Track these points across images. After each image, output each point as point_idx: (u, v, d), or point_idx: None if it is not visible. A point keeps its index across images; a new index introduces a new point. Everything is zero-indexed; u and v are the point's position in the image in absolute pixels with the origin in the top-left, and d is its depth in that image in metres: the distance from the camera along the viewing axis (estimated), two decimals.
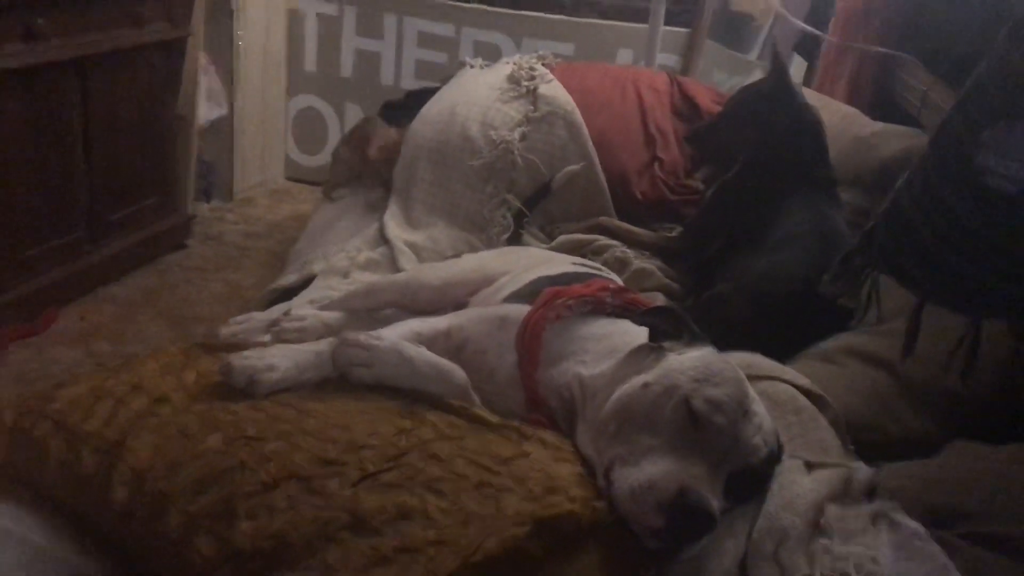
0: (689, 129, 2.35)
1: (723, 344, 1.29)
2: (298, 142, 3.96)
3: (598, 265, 1.82)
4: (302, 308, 1.76)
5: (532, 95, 2.45)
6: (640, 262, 2.12)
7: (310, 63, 3.82)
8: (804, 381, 1.43)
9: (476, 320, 1.38)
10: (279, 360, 1.19)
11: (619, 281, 1.72)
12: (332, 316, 1.67)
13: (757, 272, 1.86)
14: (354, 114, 3.81)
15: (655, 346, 1.21)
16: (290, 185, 3.96)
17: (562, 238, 2.22)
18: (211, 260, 3.17)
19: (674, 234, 2.24)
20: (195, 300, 2.87)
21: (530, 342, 1.29)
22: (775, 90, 2.07)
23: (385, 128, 2.54)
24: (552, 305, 1.34)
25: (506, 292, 1.55)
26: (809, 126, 2.07)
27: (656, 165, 2.44)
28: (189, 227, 3.27)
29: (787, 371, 1.47)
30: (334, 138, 3.82)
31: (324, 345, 1.24)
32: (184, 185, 3.27)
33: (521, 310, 1.36)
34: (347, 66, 3.80)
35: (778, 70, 2.08)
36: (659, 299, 1.96)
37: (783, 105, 2.06)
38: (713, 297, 1.86)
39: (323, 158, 3.78)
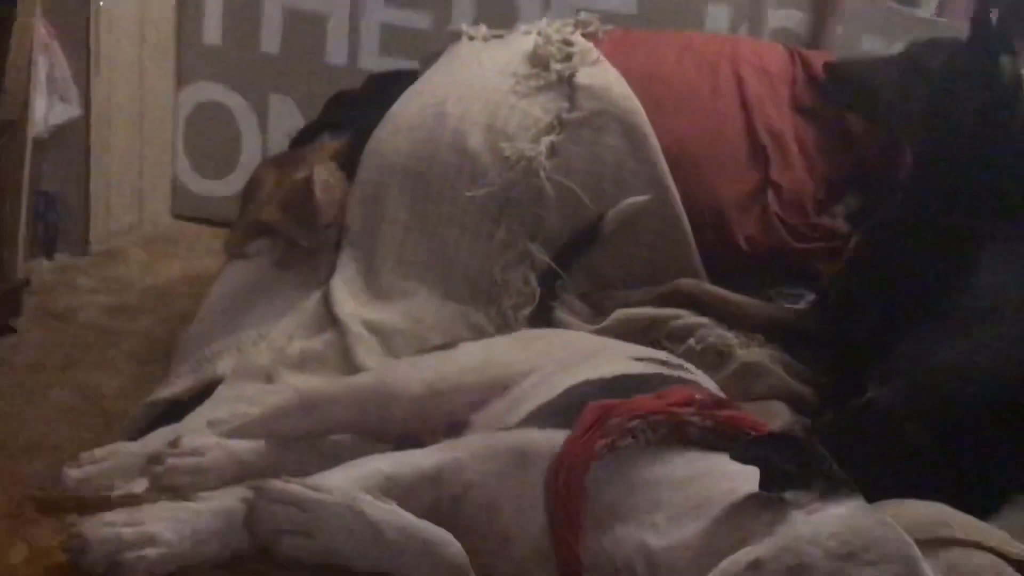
0: (832, 64, 2.40)
1: (883, 487, 1.29)
2: (194, 158, 4.00)
3: (678, 360, 1.84)
4: (200, 434, 1.77)
5: (568, 85, 2.48)
6: (747, 352, 2.15)
7: (213, 33, 3.88)
8: (1020, 549, 1.43)
9: (481, 455, 1.40)
10: (161, 527, 1.20)
11: (712, 386, 1.72)
12: (247, 448, 1.70)
13: (940, 366, 1.88)
14: (282, 111, 3.86)
15: (770, 498, 1.22)
16: (181, 227, 3.98)
17: (620, 314, 2.25)
18: (54, 351, 3.19)
19: (802, 305, 2.28)
20: (27, 417, 2.88)
21: (568, 491, 1.31)
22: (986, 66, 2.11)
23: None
24: (603, 430, 1.36)
25: (529, 407, 1.57)
26: None
27: (770, 194, 2.48)
28: (19, 299, 3.29)
29: (992, 532, 1.47)
30: (252, 152, 3.88)
31: (234, 500, 1.25)
32: (11, 231, 3.31)
33: (553, 439, 1.37)
34: (272, 37, 3.85)
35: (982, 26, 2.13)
36: (778, 414, 1.98)
37: (998, 92, 2.10)
38: (868, 408, 1.87)
39: (233, 183, 3.81)
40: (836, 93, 2.39)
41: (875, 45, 3.56)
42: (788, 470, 1.23)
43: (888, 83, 2.19)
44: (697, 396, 1.45)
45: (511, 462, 1.37)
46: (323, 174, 2.45)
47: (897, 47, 3.47)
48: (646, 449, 1.35)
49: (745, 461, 1.26)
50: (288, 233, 2.47)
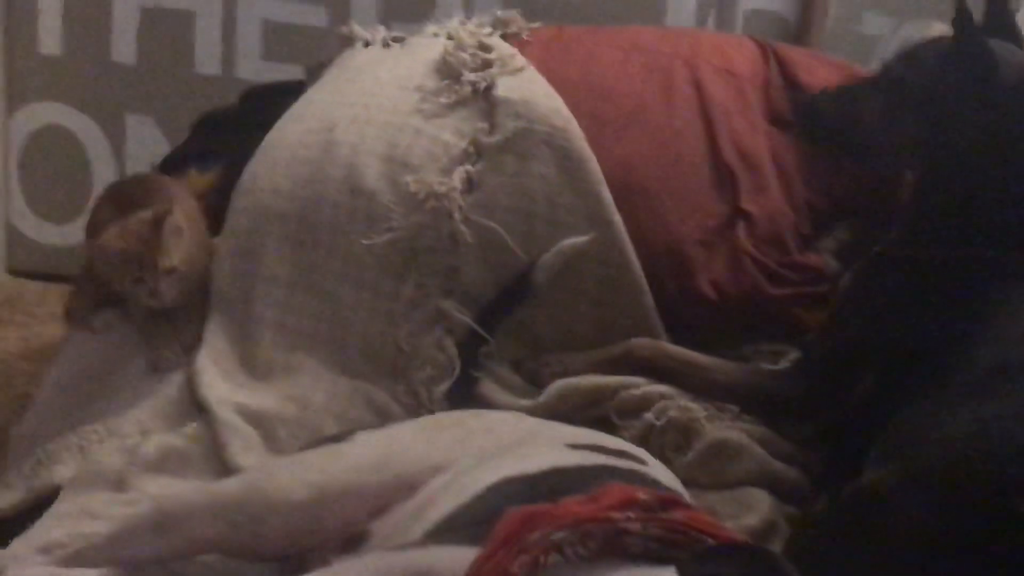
0: (796, 99, 2.44)
1: None
2: (33, 198, 3.96)
3: (626, 445, 1.85)
4: (27, 562, 1.78)
5: (485, 100, 2.50)
6: (718, 427, 2.17)
7: (51, 41, 3.85)
8: None
9: None
10: None
11: (667, 477, 1.75)
12: None
13: (952, 438, 1.88)
14: (142, 135, 3.83)
15: None
16: (19, 286, 3.92)
17: (560, 386, 2.26)
18: None
19: (783, 365, 2.29)
20: None
21: None
22: (976, 66, 2.13)
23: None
24: (522, 545, 1.36)
25: (439, 513, 1.57)
26: None
27: (740, 228, 2.48)
28: None
29: None
30: (106, 185, 3.85)
31: None
32: None
33: (460, 558, 1.36)
34: (126, 42, 3.83)
35: (965, 27, 2.15)
36: (756, 505, 2.02)
37: (1001, 96, 2.13)
38: (864, 495, 1.88)
39: (81, 229, 3.82)
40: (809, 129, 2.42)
41: (878, 27, 3.61)
42: None
43: (868, 113, 2.23)
44: (641, 496, 1.43)
45: None
46: (178, 217, 2.42)
47: (902, 31, 3.56)
48: (577, 567, 1.33)
49: None
50: (119, 286, 2.43)
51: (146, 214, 2.41)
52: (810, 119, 2.38)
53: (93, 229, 2.63)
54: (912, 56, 2.26)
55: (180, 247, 2.41)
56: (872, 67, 3.20)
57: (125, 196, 2.66)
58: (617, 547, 1.36)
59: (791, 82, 2.68)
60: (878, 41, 3.59)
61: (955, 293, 2.07)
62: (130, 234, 2.38)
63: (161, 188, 2.66)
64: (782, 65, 2.72)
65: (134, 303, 2.46)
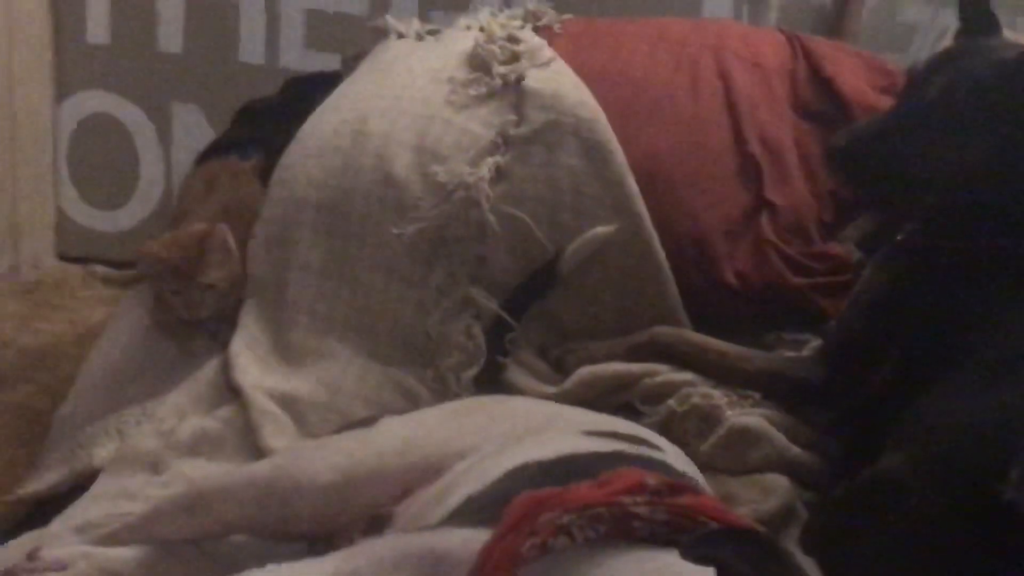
0: (833, 138, 2.37)
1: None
2: (82, 185, 3.98)
3: (643, 432, 1.87)
4: (65, 541, 1.83)
5: (514, 92, 2.51)
6: (739, 414, 2.18)
7: (99, 30, 3.87)
8: None
9: (387, 564, 1.42)
10: None
11: (681, 463, 1.76)
12: (124, 558, 1.75)
13: (967, 425, 1.89)
14: (188, 123, 3.86)
15: None
16: (68, 271, 3.88)
17: (584, 372, 2.28)
18: None
19: (805, 353, 2.29)
20: None
21: None
22: None
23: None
24: (531, 528, 1.38)
25: (459, 497, 1.60)
26: None
27: (764, 217, 2.49)
28: None
29: None
30: (152, 174, 3.90)
31: None
32: None
33: (473, 540, 1.38)
34: (172, 32, 3.85)
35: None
36: (775, 490, 2.03)
37: None
38: (878, 480, 1.89)
39: (132, 214, 3.88)
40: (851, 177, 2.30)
41: (915, 15, 3.58)
42: (744, 571, 1.25)
43: (923, 147, 2.12)
44: (649, 481, 1.45)
45: (422, 571, 1.38)
46: (226, 236, 2.47)
47: (941, 19, 3.53)
48: (585, 549, 1.35)
49: (695, 560, 1.25)
50: (157, 292, 2.49)
51: (196, 228, 2.47)
52: (851, 166, 2.24)
53: (182, 196, 2.79)
54: (961, 75, 2.12)
55: (224, 265, 2.47)
56: (909, 57, 3.21)
57: (214, 177, 2.76)
58: (625, 530, 1.38)
59: (817, 74, 2.68)
60: (916, 30, 3.57)
61: (976, 283, 2.07)
62: (176, 246, 2.44)
63: (248, 184, 2.74)
64: (808, 56, 2.72)
65: (169, 309, 2.49)
